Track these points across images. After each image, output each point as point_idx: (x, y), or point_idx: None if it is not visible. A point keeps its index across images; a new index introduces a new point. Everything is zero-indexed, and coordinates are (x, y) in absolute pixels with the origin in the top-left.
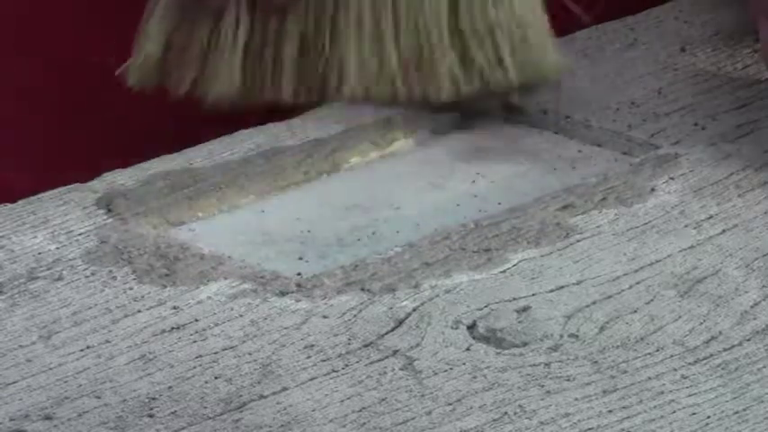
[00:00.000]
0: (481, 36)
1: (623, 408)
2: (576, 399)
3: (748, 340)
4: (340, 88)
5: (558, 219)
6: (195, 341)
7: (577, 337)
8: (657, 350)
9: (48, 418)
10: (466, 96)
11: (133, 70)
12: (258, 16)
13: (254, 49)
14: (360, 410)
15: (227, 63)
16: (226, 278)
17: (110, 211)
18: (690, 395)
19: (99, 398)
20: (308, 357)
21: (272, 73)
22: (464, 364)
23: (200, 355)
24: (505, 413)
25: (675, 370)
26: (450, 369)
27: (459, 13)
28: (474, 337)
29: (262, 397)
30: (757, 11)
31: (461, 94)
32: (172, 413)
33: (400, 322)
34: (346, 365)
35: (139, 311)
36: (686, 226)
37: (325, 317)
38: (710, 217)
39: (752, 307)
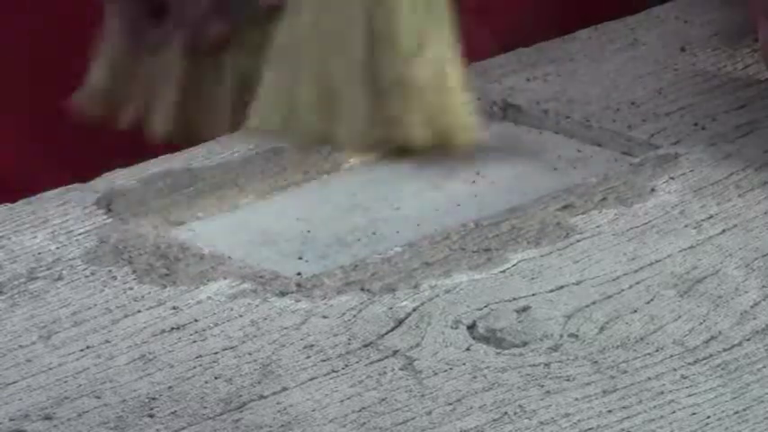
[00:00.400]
0: (389, 90)
1: (623, 408)
2: (576, 399)
3: (748, 340)
4: (254, 125)
5: (558, 219)
6: (195, 341)
7: (577, 337)
8: (657, 350)
9: (48, 418)
10: (370, 149)
11: (81, 100)
12: (193, 54)
13: (189, 87)
14: (360, 410)
15: (163, 99)
16: (226, 278)
17: (110, 211)
18: (690, 395)
19: (99, 398)
20: (308, 357)
21: (207, 111)
22: (464, 364)
23: (200, 355)
24: (505, 413)
25: (675, 370)
26: (450, 369)
27: (373, 64)
28: (474, 337)
29: (262, 397)
30: (757, 11)
31: (365, 146)
32: (172, 413)
33: (400, 322)
34: (346, 365)
35: (139, 311)
36: (686, 226)
37: (324, 317)
38: (710, 217)
39: (752, 307)
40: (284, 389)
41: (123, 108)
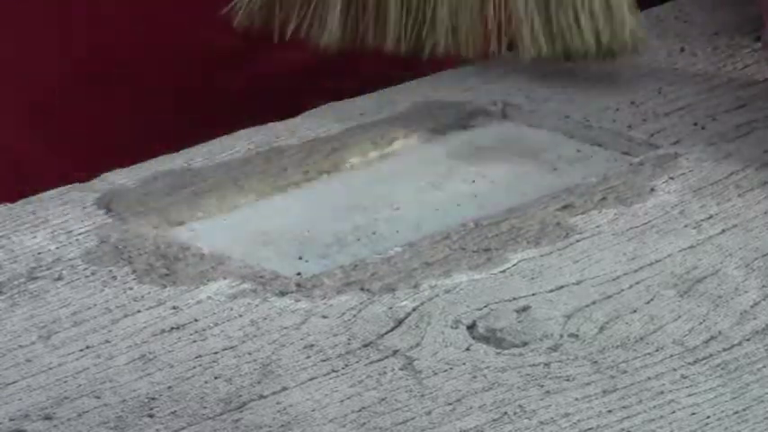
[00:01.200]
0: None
1: (623, 408)
2: (576, 399)
3: (748, 340)
4: (432, 43)
5: (558, 219)
6: (195, 341)
7: (577, 336)
8: (657, 350)
9: (48, 418)
10: (548, 57)
11: (240, 9)
12: None
13: None
14: (360, 410)
15: (329, 9)
16: (225, 278)
17: (110, 210)
18: (689, 395)
19: (99, 398)
20: (308, 357)
21: (375, 22)
22: (464, 364)
23: (200, 355)
24: (505, 413)
25: (675, 370)
26: (450, 369)
27: None
28: (474, 337)
29: (262, 397)
30: (766, 8)
31: (543, 55)
32: (172, 413)
33: (400, 322)
34: (346, 365)
35: (139, 311)
36: (686, 226)
37: (324, 317)
38: (710, 217)
39: (751, 307)
40: (284, 389)
41: (284, 18)
